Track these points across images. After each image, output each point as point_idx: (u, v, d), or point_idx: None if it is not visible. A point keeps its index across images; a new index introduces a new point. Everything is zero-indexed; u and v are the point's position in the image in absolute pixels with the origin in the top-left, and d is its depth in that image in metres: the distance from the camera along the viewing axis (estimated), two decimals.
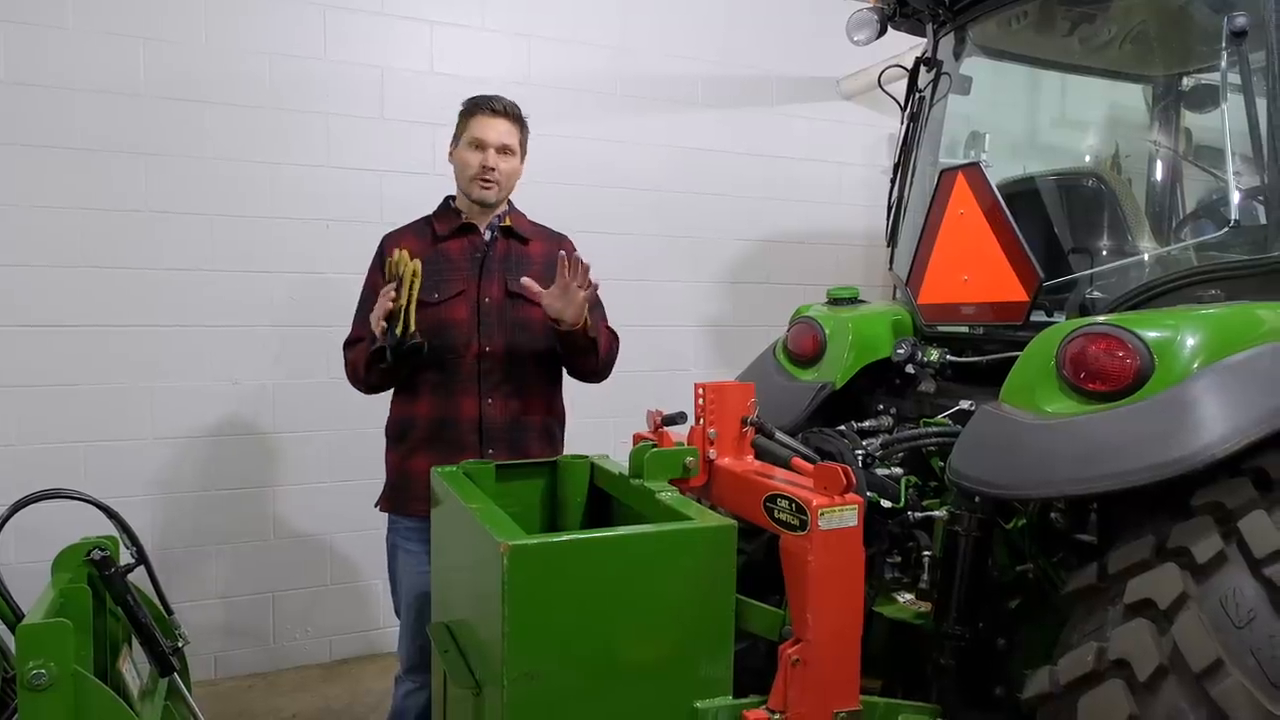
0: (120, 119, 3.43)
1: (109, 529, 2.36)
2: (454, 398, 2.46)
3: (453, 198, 2.64)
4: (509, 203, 2.63)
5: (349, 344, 2.56)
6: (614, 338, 2.65)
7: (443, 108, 3.88)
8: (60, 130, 3.36)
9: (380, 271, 2.50)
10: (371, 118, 3.82)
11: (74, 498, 2.33)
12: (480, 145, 2.48)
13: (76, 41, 3.36)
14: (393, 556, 2.58)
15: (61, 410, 3.40)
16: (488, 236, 2.57)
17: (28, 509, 2.24)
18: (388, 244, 2.55)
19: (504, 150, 2.50)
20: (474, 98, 2.55)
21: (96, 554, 2.20)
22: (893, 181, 3.09)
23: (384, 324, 2.28)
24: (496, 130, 2.49)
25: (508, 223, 2.58)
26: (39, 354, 3.37)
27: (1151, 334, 1.84)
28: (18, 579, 2.33)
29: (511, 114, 2.53)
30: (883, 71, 3.24)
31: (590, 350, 2.49)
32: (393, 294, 2.26)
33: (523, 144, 2.58)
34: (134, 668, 2.33)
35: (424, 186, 3.78)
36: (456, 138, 2.56)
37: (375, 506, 2.61)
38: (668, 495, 1.83)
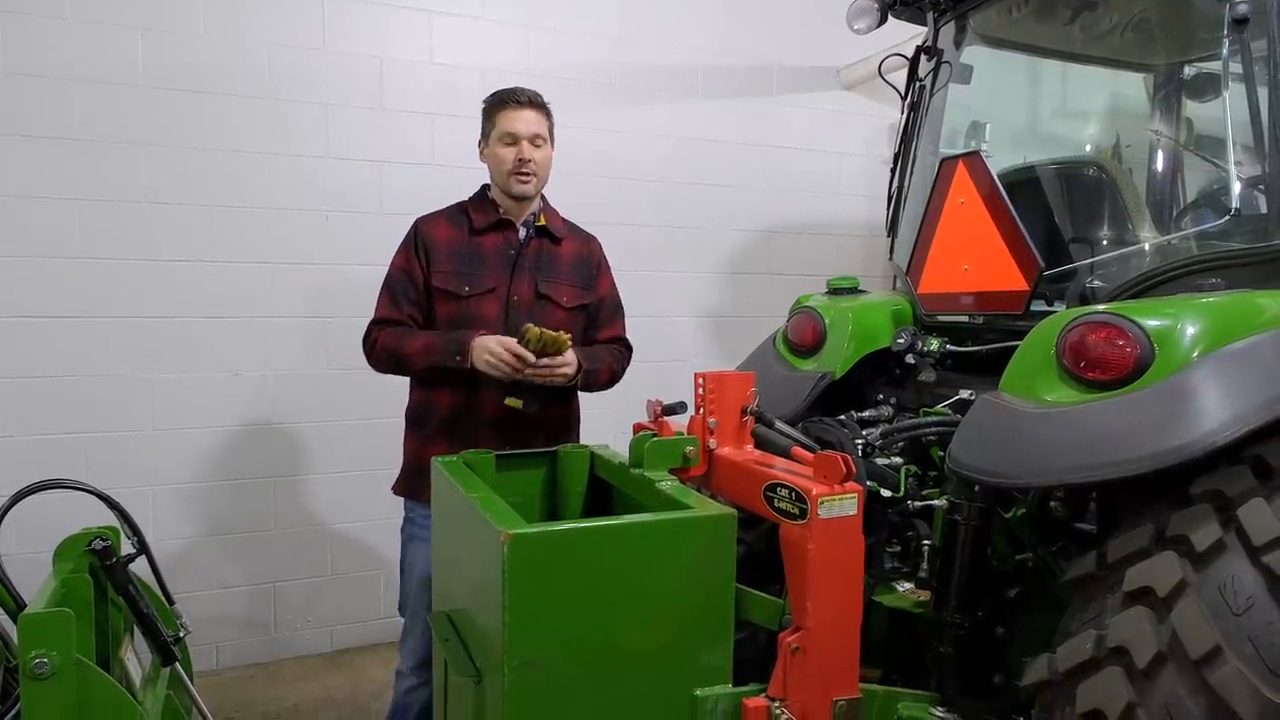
0: (119, 110, 3.43)
1: (110, 519, 2.37)
2: (477, 389, 2.46)
3: (489, 187, 2.62)
4: (543, 198, 2.63)
5: (379, 323, 2.52)
6: (624, 352, 2.71)
7: (442, 98, 3.91)
8: (59, 121, 3.35)
9: (414, 252, 2.51)
10: (371, 108, 3.81)
11: (75, 488, 2.34)
12: (513, 140, 2.48)
13: (75, 32, 3.35)
14: (406, 545, 2.59)
15: (62, 402, 3.41)
16: (522, 235, 2.57)
17: (29, 499, 2.24)
18: (417, 227, 2.56)
19: (536, 140, 2.51)
20: (498, 92, 2.55)
21: (98, 544, 2.21)
22: (893, 171, 3.09)
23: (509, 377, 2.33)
24: (526, 122, 2.49)
25: (542, 221, 2.59)
26: (39, 345, 3.37)
27: (1151, 322, 1.84)
28: (19, 569, 2.34)
29: (537, 103, 2.53)
30: (883, 61, 3.23)
31: (592, 385, 2.58)
32: (523, 365, 2.30)
33: (551, 131, 2.58)
34: (136, 657, 2.34)
35: (423, 177, 3.81)
36: (485, 135, 2.56)
37: (391, 489, 2.62)
38: (668, 484, 1.83)
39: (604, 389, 2.64)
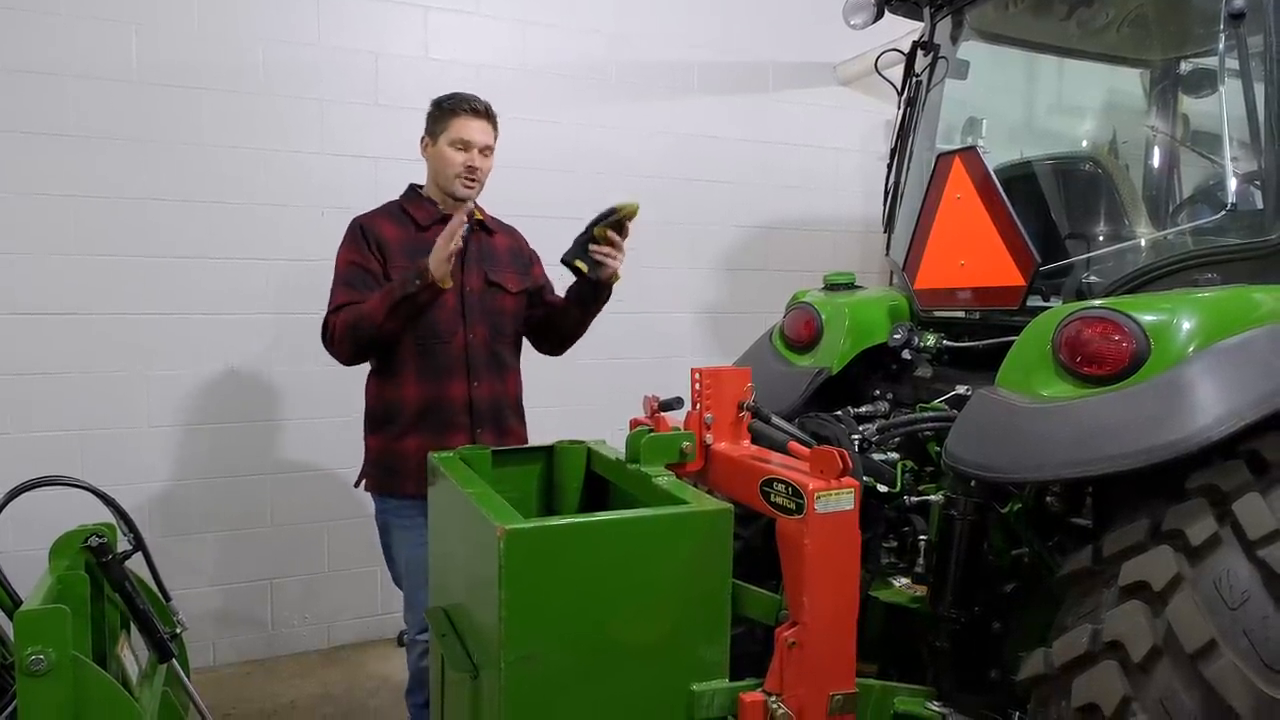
0: (114, 106, 3.42)
1: (106, 516, 2.36)
2: (443, 381, 2.52)
3: (421, 186, 2.68)
4: None
5: (337, 309, 2.50)
6: None
7: (437, 94, 3.88)
8: (54, 117, 3.34)
9: (365, 249, 2.52)
10: (366, 104, 3.81)
11: (71, 485, 2.34)
12: (466, 146, 2.54)
13: (69, 28, 3.34)
14: (385, 532, 2.62)
15: (57, 398, 3.40)
16: (464, 230, 2.58)
17: (25, 496, 2.24)
18: (363, 225, 2.58)
19: (485, 150, 2.59)
20: (453, 97, 2.59)
21: (94, 541, 2.21)
22: (890, 167, 3.09)
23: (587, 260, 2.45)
24: (481, 131, 2.57)
25: (479, 215, 2.67)
26: (34, 342, 3.36)
27: (1147, 317, 1.84)
28: (16, 566, 2.34)
29: (490, 114, 2.61)
30: (880, 56, 3.23)
31: (600, 302, 2.66)
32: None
33: (495, 142, 2.65)
34: (132, 654, 2.34)
35: (418, 173, 3.78)
36: (434, 134, 2.59)
37: (356, 486, 2.64)
38: (664, 480, 1.83)
39: (586, 326, 2.74)
